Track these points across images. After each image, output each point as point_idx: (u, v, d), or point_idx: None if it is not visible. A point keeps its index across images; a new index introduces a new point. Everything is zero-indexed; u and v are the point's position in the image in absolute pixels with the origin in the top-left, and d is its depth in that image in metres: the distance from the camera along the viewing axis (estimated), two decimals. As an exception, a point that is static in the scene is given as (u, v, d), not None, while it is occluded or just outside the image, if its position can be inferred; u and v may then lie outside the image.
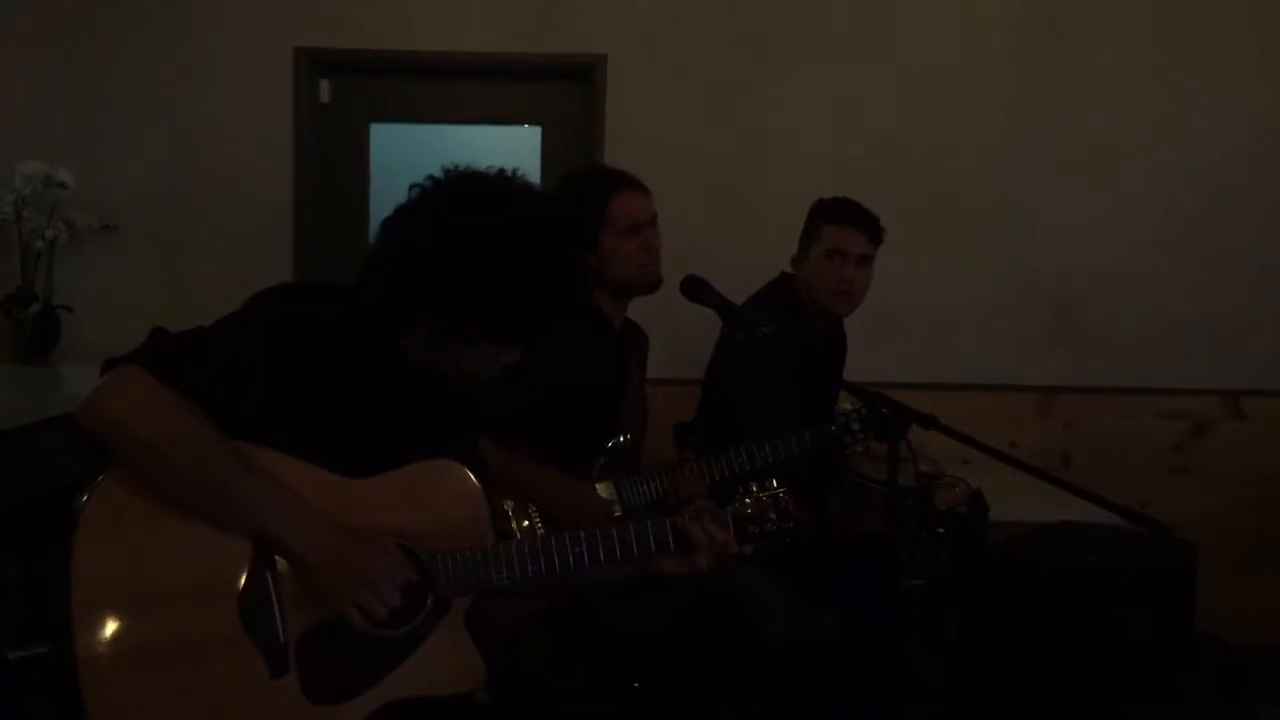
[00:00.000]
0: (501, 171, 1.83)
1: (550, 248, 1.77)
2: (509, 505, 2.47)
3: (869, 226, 3.11)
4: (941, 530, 2.60)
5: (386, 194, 4.09)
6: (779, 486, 1.95)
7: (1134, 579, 3.05)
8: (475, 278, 1.71)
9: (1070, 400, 4.19)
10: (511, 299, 1.74)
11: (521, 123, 4.28)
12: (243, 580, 1.66)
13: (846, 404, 2.85)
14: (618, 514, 2.61)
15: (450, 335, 1.77)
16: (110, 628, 1.61)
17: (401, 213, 1.81)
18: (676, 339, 3.14)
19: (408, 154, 4.17)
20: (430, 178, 1.82)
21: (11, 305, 3.86)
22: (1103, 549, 3.10)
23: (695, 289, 2.64)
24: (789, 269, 3.20)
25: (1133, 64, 4.16)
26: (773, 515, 1.92)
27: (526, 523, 2.47)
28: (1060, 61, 4.16)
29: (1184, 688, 3.09)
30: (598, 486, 2.64)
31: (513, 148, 4.23)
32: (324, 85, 4.18)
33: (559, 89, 4.25)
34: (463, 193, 1.79)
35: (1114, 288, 4.17)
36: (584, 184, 2.79)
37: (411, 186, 1.83)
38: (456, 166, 1.83)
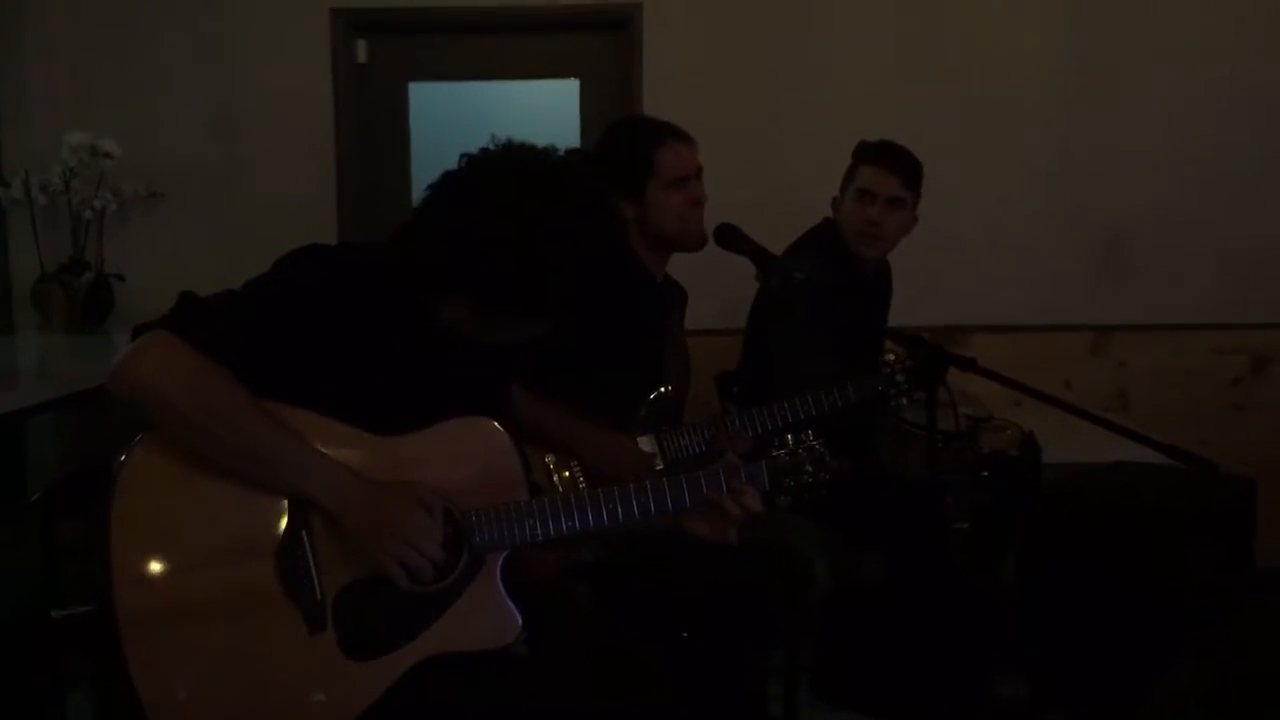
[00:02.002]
0: (549, 150, 1.80)
1: (591, 236, 1.76)
2: (550, 459, 2.47)
3: (903, 169, 3.04)
4: (985, 474, 2.58)
5: (427, 153, 4.11)
6: (815, 438, 1.93)
7: (1192, 517, 3.00)
8: (514, 263, 1.70)
9: (1125, 338, 4.13)
10: (549, 284, 1.73)
11: (559, 76, 4.25)
12: (279, 538, 1.69)
13: (891, 354, 2.80)
14: (660, 467, 2.60)
15: (484, 311, 1.77)
16: (150, 587, 1.64)
17: (447, 185, 1.79)
18: (719, 288, 3.11)
19: (447, 112, 4.18)
20: (482, 150, 1.79)
21: (65, 275, 3.94)
22: (1159, 487, 3.05)
23: (729, 237, 2.59)
24: (830, 214, 3.16)
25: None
26: (809, 467, 1.91)
27: (568, 473, 2.47)
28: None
29: (1244, 624, 3.05)
30: (640, 439, 2.61)
31: (551, 102, 4.23)
32: (361, 45, 4.18)
33: (596, 41, 4.22)
34: (507, 175, 1.75)
35: (1168, 222, 4.09)
36: (630, 135, 2.73)
37: (461, 156, 1.80)
38: (509, 141, 1.79)
